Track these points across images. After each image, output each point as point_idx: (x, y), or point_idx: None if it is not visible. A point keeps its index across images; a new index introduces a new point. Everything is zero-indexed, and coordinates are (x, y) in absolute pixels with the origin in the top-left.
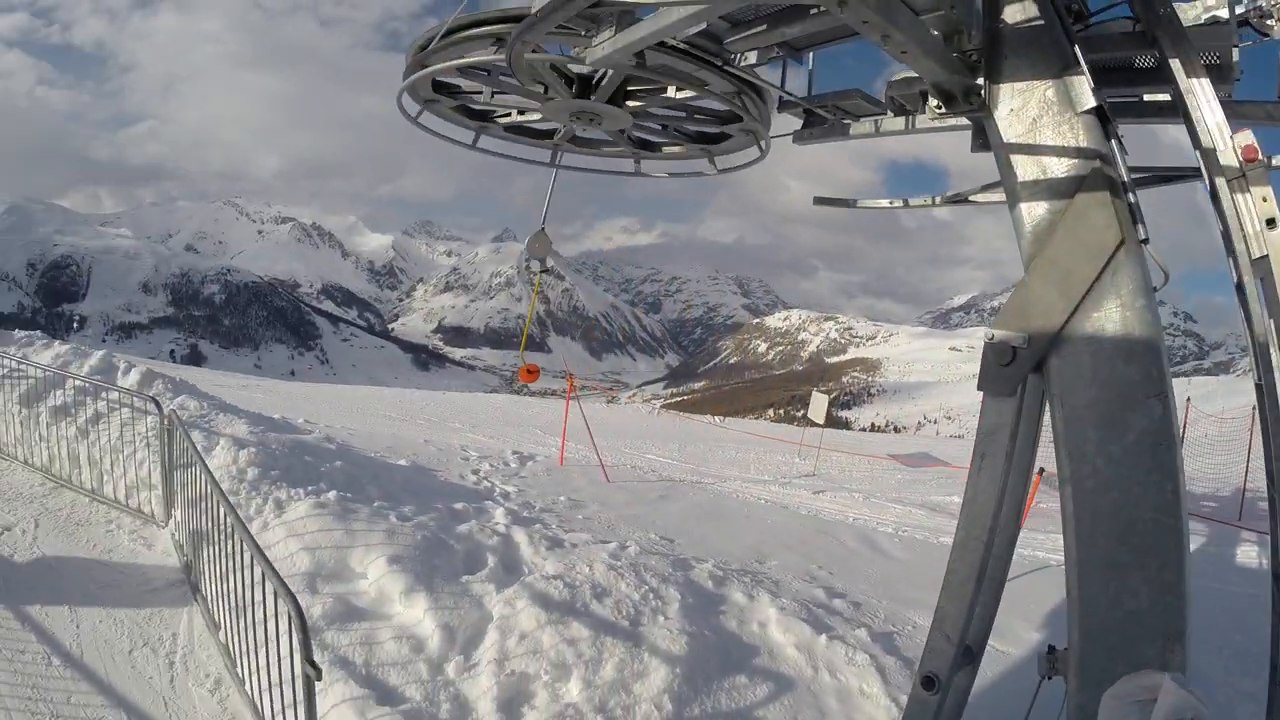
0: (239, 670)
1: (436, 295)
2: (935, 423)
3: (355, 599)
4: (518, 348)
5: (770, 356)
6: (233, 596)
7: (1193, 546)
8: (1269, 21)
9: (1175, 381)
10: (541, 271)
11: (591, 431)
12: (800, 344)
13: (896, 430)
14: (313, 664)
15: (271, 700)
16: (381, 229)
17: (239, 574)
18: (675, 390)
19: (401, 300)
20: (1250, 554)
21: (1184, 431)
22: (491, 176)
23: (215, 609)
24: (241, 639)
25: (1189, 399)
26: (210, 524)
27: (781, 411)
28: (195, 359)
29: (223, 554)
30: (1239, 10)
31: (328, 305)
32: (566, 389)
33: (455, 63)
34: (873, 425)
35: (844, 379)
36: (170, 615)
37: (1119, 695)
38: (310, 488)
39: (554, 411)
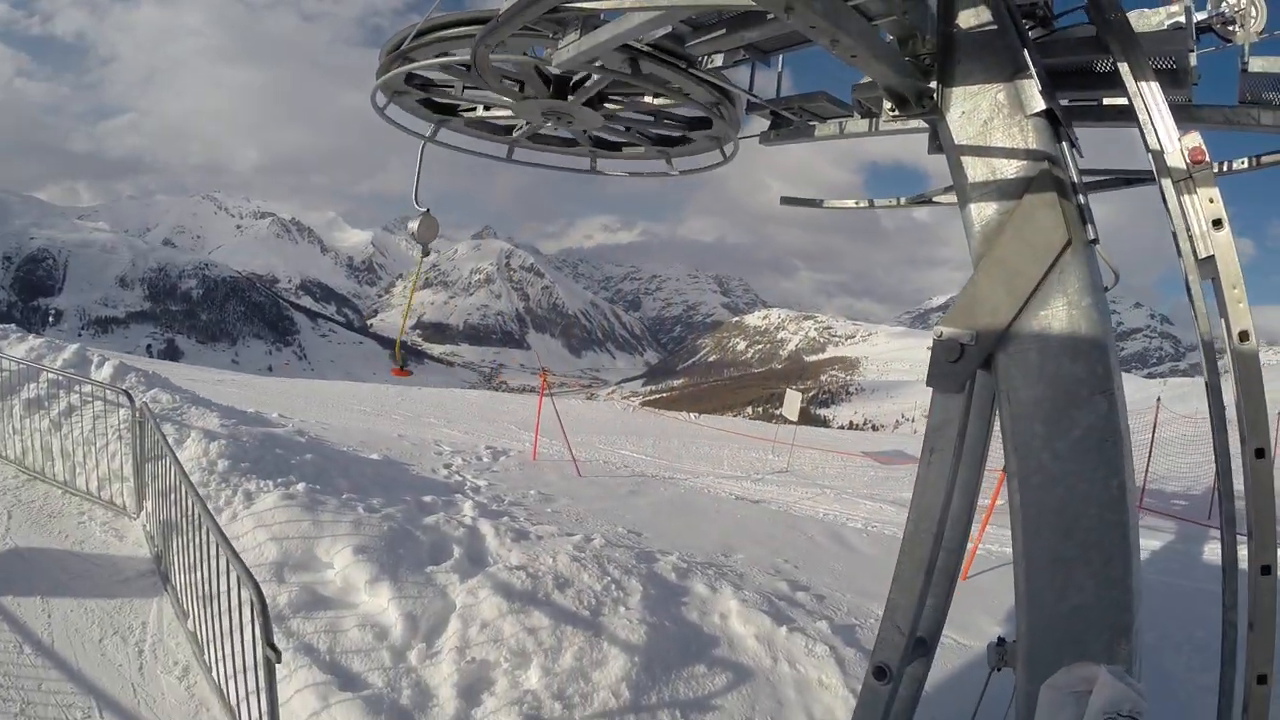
0: (206, 658)
1: (415, 291)
2: (913, 421)
3: (321, 588)
4: (498, 344)
5: (749, 355)
6: (201, 586)
7: (1161, 544)
8: (1231, 28)
9: (1151, 384)
10: (424, 256)
11: (564, 427)
12: (779, 342)
13: (875, 428)
14: (273, 647)
15: (237, 686)
16: (361, 225)
17: (207, 564)
18: (654, 388)
19: (380, 296)
20: (1217, 552)
21: (1155, 432)
22: (472, 174)
23: (184, 598)
24: (209, 627)
25: (1159, 399)
26: (180, 515)
27: (760, 409)
28: (172, 354)
29: (192, 544)
30: (1202, 16)
31: (306, 301)
32: (539, 387)
33: (439, 60)
34: (850, 423)
35: (823, 377)
36: (140, 605)
37: (1057, 686)
38: (280, 480)
39: (530, 407)
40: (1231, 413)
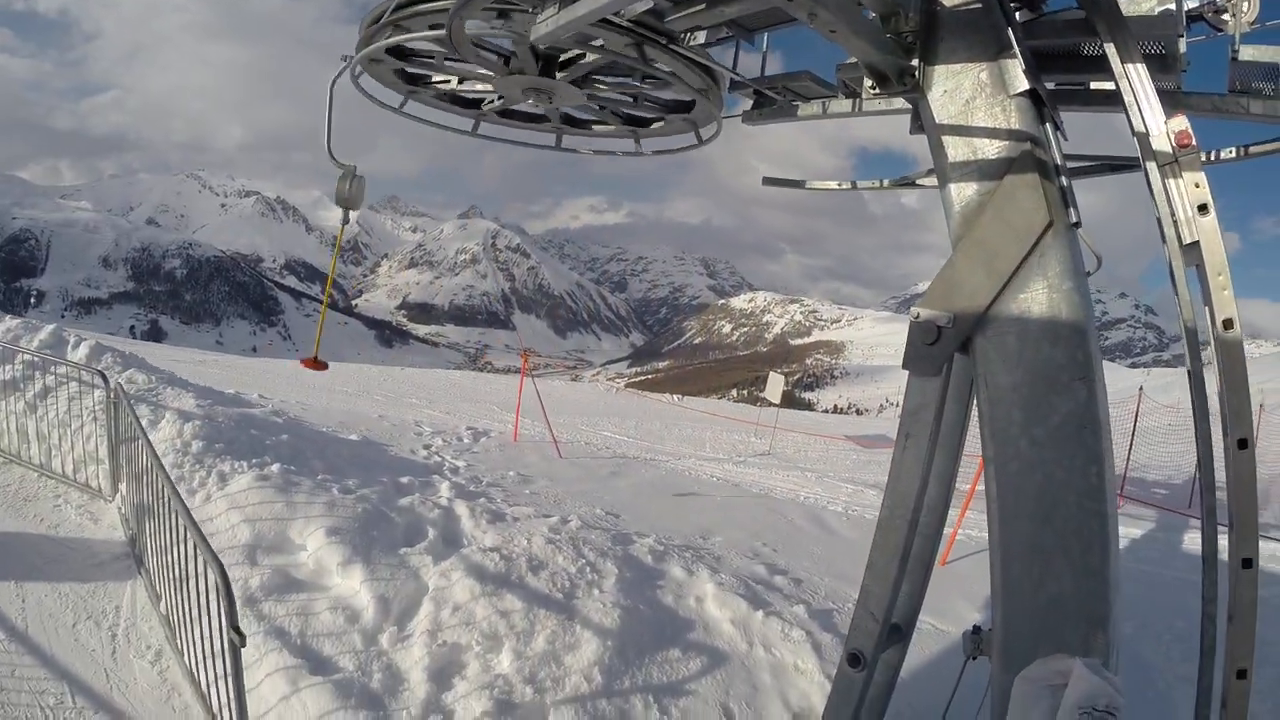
0: (178, 642)
1: (401, 271)
2: (896, 406)
3: (294, 570)
4: (484, 324)
5: (735, 337)
6: (174, 569)
7: (1141, 533)
8: (1223, 16)
9: (1134, 373)
10: (344, 224)
11: (545, 408)
12: (765, 326)
13: (859, 412)
14: (237, 630)
15: (208, 670)
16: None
17: (180, 547)
18: (639, 369)
19: (366, 276)
20: (1198, 541)
21: (1137, 421)
22: (458, 153)
23: (158, 582)
24: (182, 611)
25: (1141, 388)
26: (154, 497)
27: (745, 392)
28: (156, 335)
29: (165, 527)
30: (1193, 4)
31: (291, 281)
32: (520, 367)
33: (425, 34)
34: (835, 407)
35: (808, 361)
36: (114, 589)
37: (1032, 678)
38: (254, 460)
39: (514, 388)
40: (1214, 403)
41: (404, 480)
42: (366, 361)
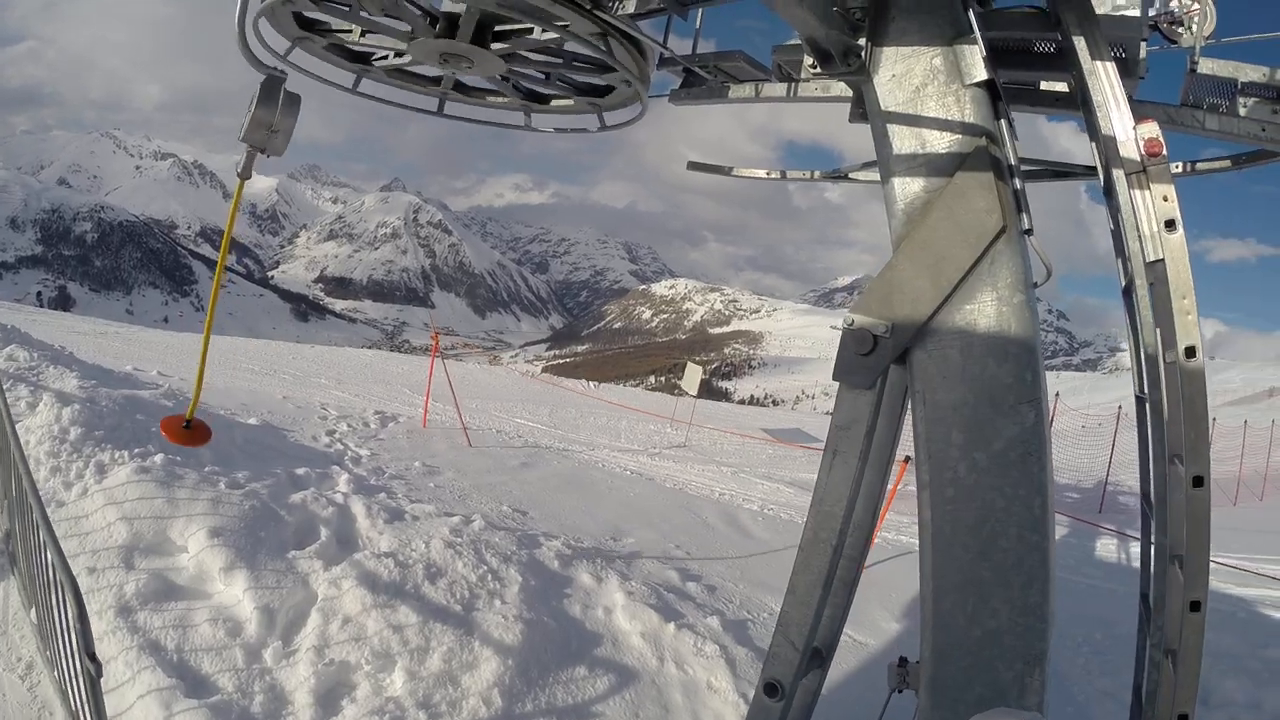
0: (49, 653)
1: (320, 243)
2: (813, 398)
3: (173, 575)
4: (402, 301)
5: (654, 324)
6: (43, 572)
7: (1055, 538)
8: (1178, 28)
9: (1047, 376)
10: (242, 179)
11: (458, 394)
12: (685, 313)
13: (775, 403)
14: (93, 658)
15: (80, 689)
16: (266, 171)
17: (44, 551)
18: (558, 352)
19: (283, 247)
20: (1109, 547)
21: (1051, 424)
22: (383, 123)
23: (28, 584)
24: (50, 618)
25: (1057, 394)
26: (22, 492)
27: (662, 379)
28: (64, 302)
29: (33, 526)
30: (1150, 13)
31: (206, 250)
32: (432, 347)
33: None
34: (751, 397)
35: (726, 350)
36: None
37: None
38: (137, 450)
39: (425, 370)
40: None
41: (300, 472)
42: (281, 337)
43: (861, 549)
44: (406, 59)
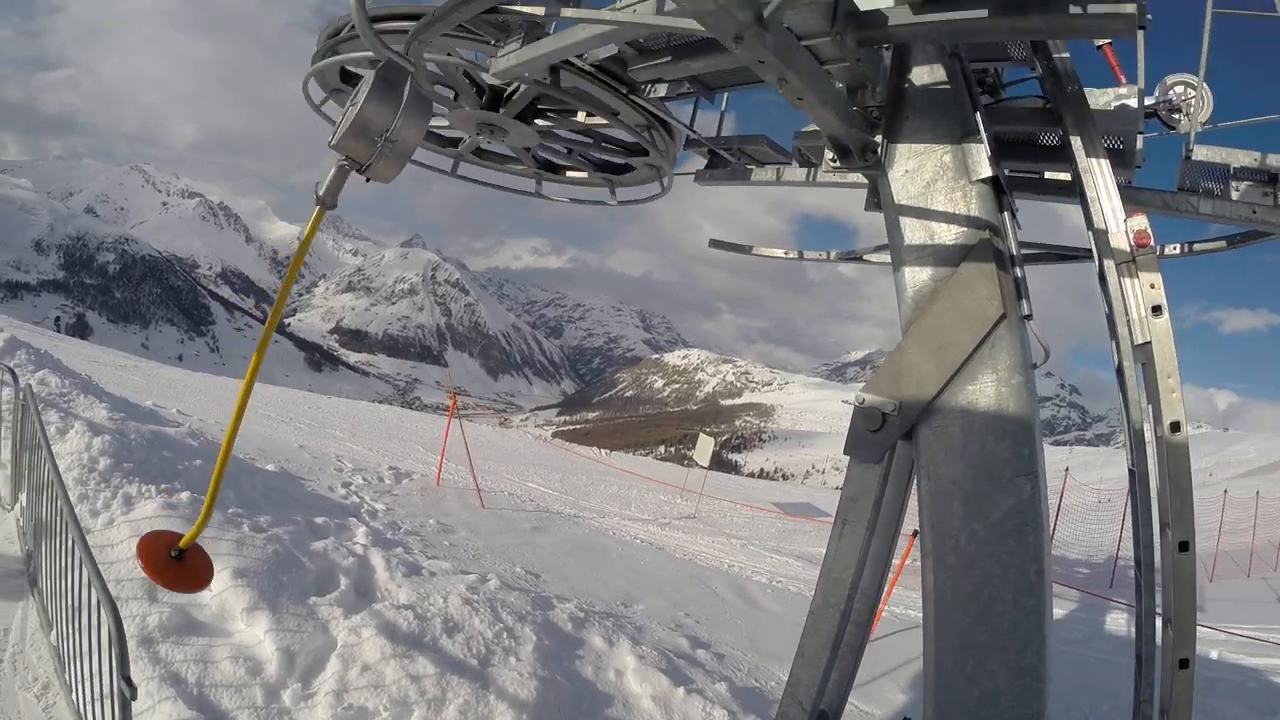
0: (67, 676)
1: (337, 294)
2: (823, 473)
3: (196, 612)
4: (416, 358)
5: (666, 393)
6: (68, 597)
7: (1064, 612)
8: (1176, 115)
9: (1058, 451)
10: (327, 208)
11: (471, 454)
12: (697, 383)
13: (785, 477)
14: (128, 681)
15: (96, 713)
16: (290, 217)
17: (74, 573)
18: (569, 418)
19: (301, 295)
20: (1119, 621)
21: (1061, 499)
22: (407, 179)
23: (50, 606)
24: (72, 643)
25: (1067, 469)
26: (53, 514)
27: (673, 449)
28: (81, 329)
29: (62, 550)
30: (1148, 102)
31: (225, 291)
32: (449, 407)
33: (364, 54)
34: (762, 470)
35: (737, 422)
36: (4, 609)
37: None
38: (164, 485)
39: (440, 428)
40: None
41: (319, 521)
42: (294, 385)
43: (868, 615)
44: (441, 123)
